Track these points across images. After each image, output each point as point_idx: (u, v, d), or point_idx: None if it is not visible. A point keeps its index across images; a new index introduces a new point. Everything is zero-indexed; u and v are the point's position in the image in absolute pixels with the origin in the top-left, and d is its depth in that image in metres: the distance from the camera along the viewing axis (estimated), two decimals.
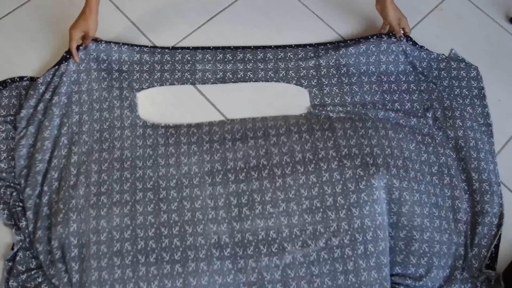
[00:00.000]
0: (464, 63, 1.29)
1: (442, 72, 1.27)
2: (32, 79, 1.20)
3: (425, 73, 1.26)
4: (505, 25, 1.39)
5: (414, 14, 1.38)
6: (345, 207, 1.02)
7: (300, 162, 1.08)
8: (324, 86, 1.22)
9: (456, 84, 1.25)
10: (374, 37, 1.27)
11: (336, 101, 1.20)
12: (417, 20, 1.38)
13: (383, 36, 1.27)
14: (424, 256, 1.01)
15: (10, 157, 1.10)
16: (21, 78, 1.20)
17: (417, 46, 1.30)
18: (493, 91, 1.28)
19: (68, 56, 1.20)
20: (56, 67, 1.19)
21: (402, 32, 1.26)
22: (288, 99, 1.22)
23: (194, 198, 1.04)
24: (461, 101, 1.22)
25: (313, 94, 1.21)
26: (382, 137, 1.11)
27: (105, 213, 1.02)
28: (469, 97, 1.24)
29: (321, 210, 1.02)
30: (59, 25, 1.30)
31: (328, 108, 1.18)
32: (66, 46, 1.26)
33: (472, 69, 1.28)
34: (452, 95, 1.23)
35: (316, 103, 1.20)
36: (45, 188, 1.05)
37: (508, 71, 1.32)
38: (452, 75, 1.27)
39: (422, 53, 1.29)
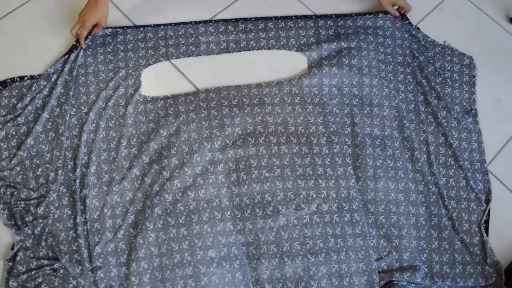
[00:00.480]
0: (458, 52, 1.31)
1: (437, 55, 1.30)
2: (33, 78, 1.20)
3: (421, 50, 1.29)
4: (505, 25, 1.39)
5: (414, 14, 1.38)
6: (334, 177, 1.09)
7: (293, 134, 1.13)
8: (323, 50, 1.26)
9: (448, 68, 1.28)
10: (371, 15, 1.32)
11: (333, 62, 1.23)
12: (417, 20, 1.38)
13: (380, 14, 1.32)
14: (403, 228, 1.06)
15: (12, 155, 1.10)
16: (21, 78, 1.20)
17: (414, 27, 1.33)
18: (493, 91, 1.28)
19: (77, 44, 1.23)
20: (66, 56, 1.22)
21: (397, 13, 1.32)
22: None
23: (195, 164, 1.09)
24: (450, 83, 1.25)
25: (311, 58, 1.25)
26: (365, 115, 1.17)
27: (117, 189, 1.07)
28: (458, 81, 1.26)
29: (313, 177, 1.08)
30: (59, 25, 1.30)
31: (324, 70, 1.21)
32: (67, 46, 1.27)
33: (466, 58, 1.30)
34: (442, 76, 1.26)
35: (313, 65, 1.24)
36: (64, 169, 1.09)
37: (508, 71, 1.32)
38: (446, 59, 1.29)
39: (419, 34, 1.32)
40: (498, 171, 1.17)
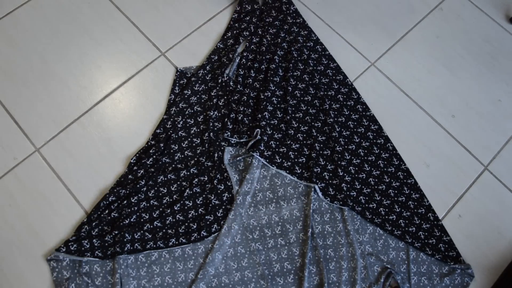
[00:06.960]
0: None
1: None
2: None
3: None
4: (505, 25, 1.39)
5: (414, 14, 1.38)
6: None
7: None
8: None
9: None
10: None
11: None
12: (417, 20, 1.38)
13: None
14: (352, 260, 1.05)
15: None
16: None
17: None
18: (493, 91, 1.27)
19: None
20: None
21: None
22: None
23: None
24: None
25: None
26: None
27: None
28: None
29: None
30: (59, 25, 1.31)
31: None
32: (65, 43, 1.27)
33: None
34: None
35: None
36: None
37: (508, 71, 1.31)
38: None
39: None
40: (498, 171, 1.17)
